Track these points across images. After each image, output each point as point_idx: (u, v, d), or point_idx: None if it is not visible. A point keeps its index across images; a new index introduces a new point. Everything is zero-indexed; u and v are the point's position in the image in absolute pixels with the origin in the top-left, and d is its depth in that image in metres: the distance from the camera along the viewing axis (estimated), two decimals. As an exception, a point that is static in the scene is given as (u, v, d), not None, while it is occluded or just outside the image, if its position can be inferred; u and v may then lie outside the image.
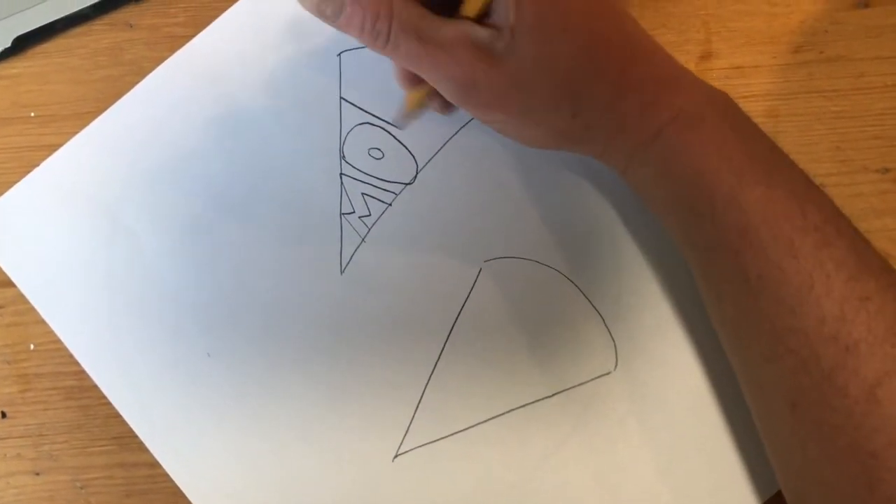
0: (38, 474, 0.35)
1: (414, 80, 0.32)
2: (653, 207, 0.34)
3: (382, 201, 0.37)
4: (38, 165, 0.37)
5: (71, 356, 0.35)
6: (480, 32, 0.28)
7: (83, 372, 0.35)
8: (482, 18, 0.29)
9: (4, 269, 0.36)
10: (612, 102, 0.30)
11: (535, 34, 0.28)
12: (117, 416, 0.35)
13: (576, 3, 0.29)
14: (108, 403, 0.35)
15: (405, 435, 0.35)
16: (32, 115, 0.37)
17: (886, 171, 0.37)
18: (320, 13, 0.28)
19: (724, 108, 0.31)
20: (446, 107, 0.34)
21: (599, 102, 0.30)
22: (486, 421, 0.35)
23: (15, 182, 0.37)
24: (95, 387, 0.35)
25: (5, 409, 0.35)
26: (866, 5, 0.38)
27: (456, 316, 0.36)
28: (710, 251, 0.30)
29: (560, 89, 0.30)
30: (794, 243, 0.28)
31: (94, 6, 0.37)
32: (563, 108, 0.30)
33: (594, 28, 0.29)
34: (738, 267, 0.29)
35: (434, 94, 0.33)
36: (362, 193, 0.37)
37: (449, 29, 0.28)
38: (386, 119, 0.37)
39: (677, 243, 0.33)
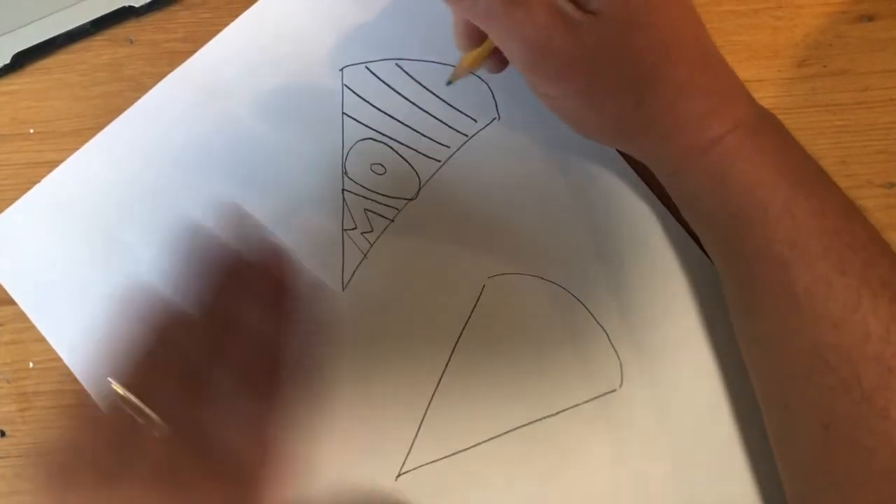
0: (37, 494, 0.35)
1: (474, 40, 0.32)
2: (695, 216, 0.33)
3: (385, 217, 0.37)
4: (37, 182, 0.36)
5: (70, 374, 0.35)
6: (562, 2, 0.29)
7: (83, 390, 0.35)
8: None
9: (4, 286, 0.36)
10: (676, 101, 0.30)
11: (619, 24, 0.29)
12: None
13: (664, 3, 0.29)
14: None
15: (408, 454, 0.35)
16: (32, 131, 0.37)
17: (891, 185, 0.37)
18: None
19: (777, 126, 0.31)
20: (501, 64, 0.34)
21: (664, 99, 0.30)
22: (490, 439, 0.35)
23: (14, 199, 0.36)
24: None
25: (5, 428, 0.35)
26: (870, 18, 0.38)
27: (459, 333, 0.36)
28: (757, 262, 0.30)
29: (630, 76, 0.30)
30: (844, 259, 0.28)
31: (93, 22, 0.37)
32: (628, 96, 0.30)
33: (676, 28, 0.30)
34: (785, 279, 0.29)
35: (492, 53, 0.33)
36: (364, 209, 0.37)
37: None
38: (388, 134, 0.37)
39: (716, 253, 0.33)
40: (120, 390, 0.27)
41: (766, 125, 0.31)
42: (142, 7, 0.37)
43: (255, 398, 0.28)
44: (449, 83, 0.36)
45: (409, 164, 0.37)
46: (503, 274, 0.36)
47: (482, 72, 0.37)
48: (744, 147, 0.30)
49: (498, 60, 0.33)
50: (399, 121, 0.37)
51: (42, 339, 0.35)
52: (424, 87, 0.37)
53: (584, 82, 0.30)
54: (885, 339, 0.27)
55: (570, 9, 0.29)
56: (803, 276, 0.28)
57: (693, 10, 0.31)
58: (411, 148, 0.37)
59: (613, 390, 0.35)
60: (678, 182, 0.33)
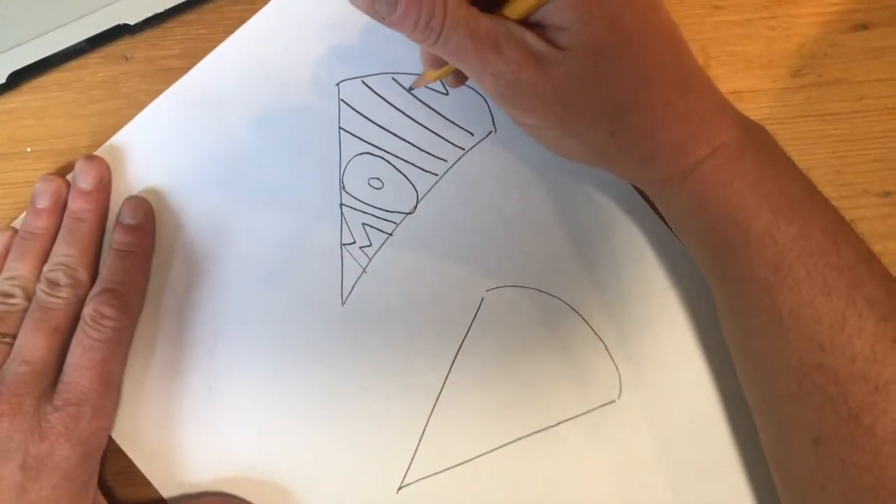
0: (40, 512, 0.35)
1: (439, 63, 0.33)
2: (683, 236, 0.34)
3: (383, 231, 0.37)
4: (35, 201, 0.36)
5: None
6: (530, 39, 0.29)
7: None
8: (528, 20, 0.29)
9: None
10: (652, 130, 0.30)
11: (588, 58, 0.28)
12: (119, 451, 0.35)
13: (638, 28, 0.29)
14: (110, 438, 0.35)
15: (409, 466, 0.35)
16: (28, 150, 0.37)
17: (888, 194, 0.37)
18: (373, 11, 0.28)
19: (763, 143, 0.31)
20: (460, 81, 0.34)
21: (640, 128, 0.30)
22: (490, 451, 0.35)
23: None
24: (97, 423, 0.35)
25: None
26: (865, 27, 0.38)
27: (458, 346, 0.36)
28: (742, 284, 0.30)
29: (602, 108, 0.30)
30: (828, 281, 0.28)
31: (88, 40, 0.37)
32: (602, 127, 0.30)
33: (651, 56, 0.29)
34: (770, 302, 0.29)
35: (453, 72, 0.33)
36: (363, 223, 0.37)
37: (498, 28, 0.29)
38: (385, 148, 0.37)
39: (705, 274, 0.33)
40: None
41: (751, 144, 0.30)
42: (137, 24, 0.37)
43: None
44: (410, 89, 0.37)
45: (407, 177, 0.37)
46: (501, 287, 0.36)
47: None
48: (723, 172, 0.30)
49: (458, 78, 0.34)
50: (396, 135, 0.37)
51: None
52: (421, 100, 0.37)
53: (558, 115, 0.30)
54: (872, 358, 0.27)
55: (539, 46, 0.29)
56: (788, 300, 0.29)
57: (674, 34, 0.30)
58: (408, 162, 0.37)
59: (612, 401, 0.35)
60: (661, 204, 0.33)
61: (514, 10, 0.29)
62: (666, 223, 0.36)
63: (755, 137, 0.31)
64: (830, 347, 0.28)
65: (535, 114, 0.31)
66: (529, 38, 0.29)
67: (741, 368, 0.32)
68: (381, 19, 0.28)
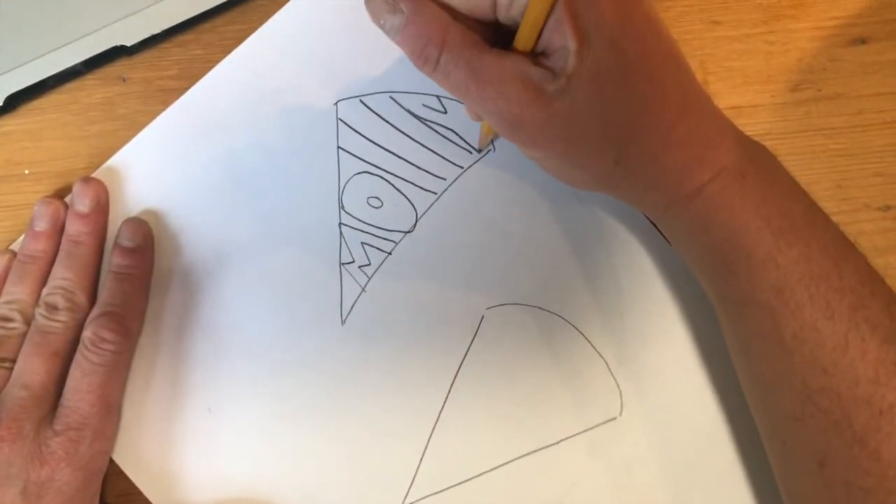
0: (42, 535, 0.35)
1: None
2: (686, 258, 0.33)
3: (382, 250, 0.37)
4: (33, 224, 0.36)
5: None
6: (534, 72, 0.28)
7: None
8: (534, 51, 0.29)
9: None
10: (656, 155, 0.29)
11: (592, 84, 0.28)
12: (120, 473, 0.35)
13: (638, 53, 0.28)
14: (111, 460, 0.35)
15: (411, 486, 0.35)
16: (27, 172, 0.37)
17: (888, 208, 0.37)
18: (380, 26, 0.28)
19: (765, 164, 0.31)
20: None
21: (644, 154, 0.29)
22: (491, 469, 0.35)
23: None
24: (98, 447, 0.35)
25: (7, 470, 0.35)
26: (863, 41, 0.38)
27: (459, 364, 0.36)
28: (744, 307, 0.30)
29: (607, 137, 0.29)
30: (831, 304, 0.28)
31: (85, 62, 0.37)
32: (607, 155, 0.30)
33: (653, 80, 0.29)
34: (773, 325, 0.29)
35: None
36: (362, 243, 0.37)
37: (501, 63, 0.28)
38: (384, 167, 0.37)
39: (709, 295, 0.33)
40: None
41: (753, 165, 0.30)
42: (133, 45, 0.37)
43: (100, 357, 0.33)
44: (480, 150, 0.37)
45: (406, 196, 0.37)
46: (501, 305, 0.36)
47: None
48: (726, 194, 0.29)
49: None
50: (394, 153, 0.37)
51: None
52: (419, 119, 0.37)
53: (562, 147, 0.30)
54: (875, 381, 0.27)
55: (541, 78, 0.28)
56: (790, 323, 0.28)
57: (674, 55, 0.30)
58: (407, 180, 0.37)
59: (614, 418, 0.35)
60: (664, 226, 0.33)
61: (521, 41, 0.28)
62: (667, 240, 0.36)
63: (757, 158, 0.31)
64: (834, 370, 0.28)
65: (539, 147, 0.30)
66: (535, 73, 0.28)
67: (746, 389, 0.32)
68: (391, 37, 0.29)
